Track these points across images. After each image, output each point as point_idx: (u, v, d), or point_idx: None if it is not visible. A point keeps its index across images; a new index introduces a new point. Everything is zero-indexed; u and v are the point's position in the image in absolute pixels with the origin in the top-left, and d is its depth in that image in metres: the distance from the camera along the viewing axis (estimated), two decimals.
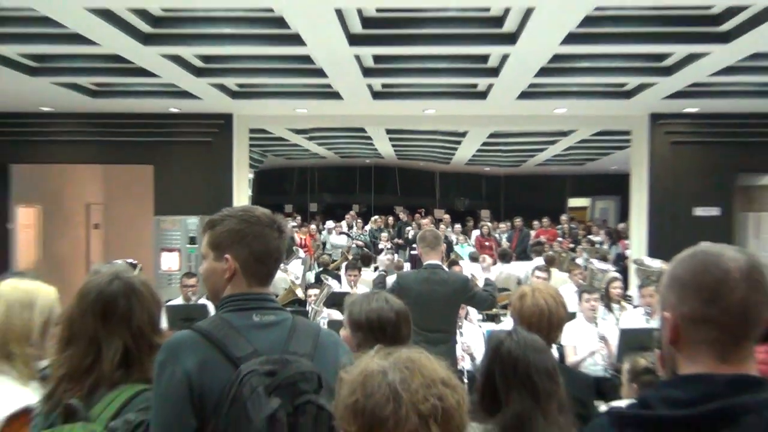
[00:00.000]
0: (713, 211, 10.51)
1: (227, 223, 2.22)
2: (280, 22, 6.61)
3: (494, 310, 10.15)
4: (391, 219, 18.78)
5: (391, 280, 11.02)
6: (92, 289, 2.31)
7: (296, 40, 6.88)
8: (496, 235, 17.05)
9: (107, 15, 6.17)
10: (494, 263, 12.95)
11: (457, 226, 17.12)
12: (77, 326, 2.27)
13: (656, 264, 8.47)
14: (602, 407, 2.99)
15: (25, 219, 12.37)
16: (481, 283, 6.25)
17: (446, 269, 6.40)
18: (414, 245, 14.62)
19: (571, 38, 6.74)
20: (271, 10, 6.41)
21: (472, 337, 6.70)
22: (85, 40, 6.81)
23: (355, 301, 2.81)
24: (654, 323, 6.55)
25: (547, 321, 3.05)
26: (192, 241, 10.51)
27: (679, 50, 7.51)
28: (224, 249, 2.19)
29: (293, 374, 1.99)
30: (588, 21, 6.37)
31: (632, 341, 5.95)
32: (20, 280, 2.75)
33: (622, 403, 2.24)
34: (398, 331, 2.69)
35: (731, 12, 6.43)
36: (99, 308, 2.25)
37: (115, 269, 2.61)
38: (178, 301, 8.15)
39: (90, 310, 2.26)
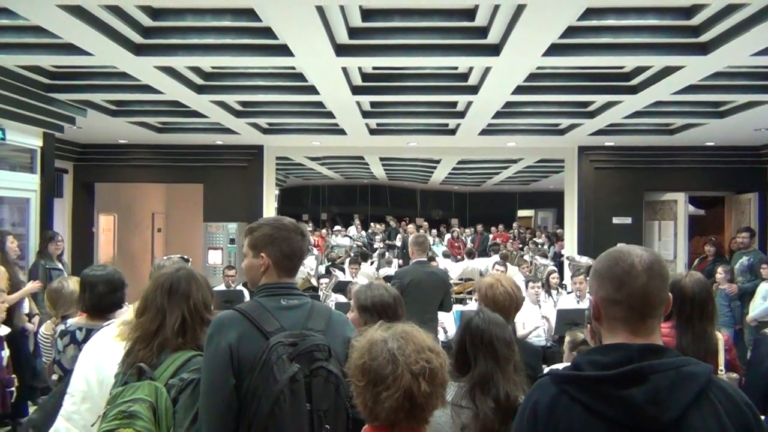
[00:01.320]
0: (627, 220, 10.53)
1: (263, 229, 2.24)
2: (300, 76, 6.61)
3: (461, 294, 10.18)
4: (383, 225, 18.77)
5: (383, 272, 11.05)
6: (164, 274, 2.35)
7: (312, 90, 6.89)
8: (463, 238, 17.06)
9: (170, 71, 6.17)
10: (462, 259, 12.99)
11: (434, 231, 17.12)
12: (150, 300, 2.29)
13: (584, 260, 8.50)
14: (545, 370, 3.00)
15: (105, 224, 12.31)
16: (454, 274, 6.28)
17: (432, 264, 6.42)
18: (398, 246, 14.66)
19: (519, 90, 6.76)
20: (293, 68, 6.42)
21: (445, 315, 6.69)
22: (153, 89, 6.81)
23: (361, 290, 2.81)
24: (583, 305, 6.58)
25: (514, 304, 3.07)
26: (232, 241, 10.48)
27: (600, 99, 7.54)
28: (260, 249, 2.21)
29: (310, 346, 2.01)
30: (532, 77, 6.41)
31: (566, 319, 5.98)
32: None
33: (560, 366, 2.25)
34: (395, 312, 2.70)
35: (638, 71, 6.48)
36: (167, 286, 2.28)
37: (181, 263, 2.62)
38: (221, 287, 8.14)
39: (160, 288, 2.29)
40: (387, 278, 9.35)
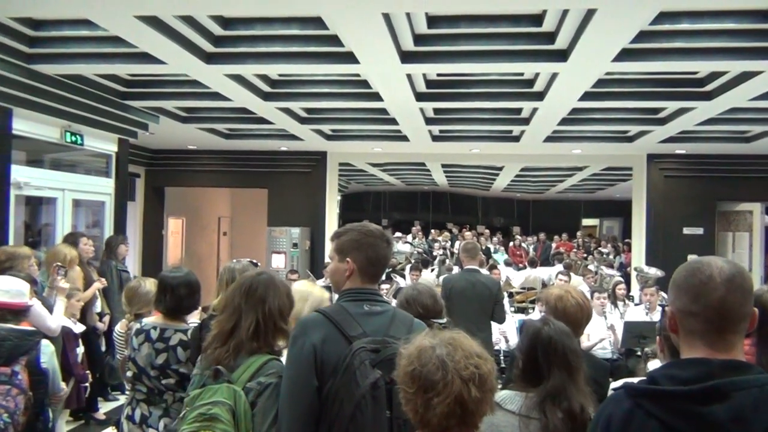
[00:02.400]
0: (698, 231, 10.18)
1: (350, 234, 2.24)
2: (365, 83, 6.67)
3: (524, 303, 10.03)
4: (442, 232, 18.68)
5: (443, 279, 10.98)
6: (246, 275, 2.41)
7: (376, 97, 6.94)
8: (525, 246, 16.80)
9: (239, 79, 6.33)
10: (524, 267, 12.80)
11: (495, 239, 16.91)
12: (229, 299, 2.35)
13: (653, 271, 8.24)
14: (614, 383, 2.91)
15: (173, 227, 12.70)
16: (516, 283, 6.17)
17: (482, 272, 6.25)
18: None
19: (586, 96, 6.64)
20: (358, 75, 6.49)
21: (507, 324, 6.60)
22: (222, 97, 7.00)
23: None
24: (652, 317, 6.38)
25: (585, 316, 3.01)
26: (295, 246, 10.64)
27: (672, 105, 7.32)
28: (346, 253, 2.21)
29: (392, 353, 1.99)
30: (600, 82, 6.27)
31: (634, 331, 5.80)
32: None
33: (634, 379, 2.18)
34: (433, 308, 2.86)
35: (713, 76, 6.25)
36: (245, 288, 2.33)
37: (233, 266, 2.68)
38: None
39: (239, 288, 2.34)
40: None
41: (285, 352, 2.24)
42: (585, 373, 2.26)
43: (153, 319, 3.05)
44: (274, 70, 6.32)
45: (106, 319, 6.34)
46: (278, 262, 10.69)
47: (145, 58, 5.62)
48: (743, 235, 10.37)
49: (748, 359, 1.60)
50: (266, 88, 6.99)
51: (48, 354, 3.55)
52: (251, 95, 6.82)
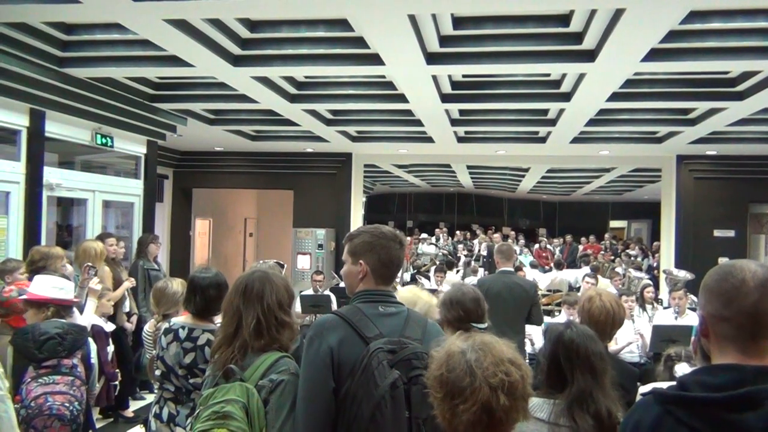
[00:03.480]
0: (729, 233, 9.99)
1: (362, 236, 2.26)
2: (390, 85, 6.67)
3: (549, 306, 9.94)
4: (469, 234, 18.61)
5: (468, 281, 10.97)
6: (240, 277, 2.43)
7: (401, 98, 6.94)
8: (551, 248, 16.66)
9: (265, 81, 6.38)
10: (550, 270, 12.69)
11: (521, 241, 16.80)
12: (228, 303, 2.37)
13: (682, 273, 8.10)
14: (642, 388, 2.86)
15: (201, 228, 12.85)
16: (542, 284, 6.14)
17: (518, 274, 6.26)
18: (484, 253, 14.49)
19: (614, 96, 6.56)
20: (384, 77, 6.49)
21: (532, 327, 6.54)
22: (248, 99, 7.06)
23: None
24: (681, 321, 6.27)
25: (612, 320, 2.96)
26: (320, 247, 10.68)
27: (702, 106, 7.20)
28: (359, 256, 2.23)
29: (409, 353, 2.00)
30: (628, 83, 6.19)
31: (663, 335, 5.69)
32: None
33: (663, 384, 2.14)
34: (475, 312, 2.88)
35: (745, 76, 6.13)
36: (241, 289, 2.35)
37: (259, 266, 2.70)
38: (309, 291, 8.28)
39: (236, 290, 2.37)
40: None
41: (292, 347, 2.29)
42: (612, 377, 2.22)
43: (182, 319, 3.08)
44: (300, 72, 6.35)
45: (134, 318, 6.43)
46: (303, 263, 10.75)
47: (174, 60, 5.69)
48: None
49: None
50: (292, 90, 7.03)
51: (94, 351, 3.66)
52: (277, 97, 6.86)
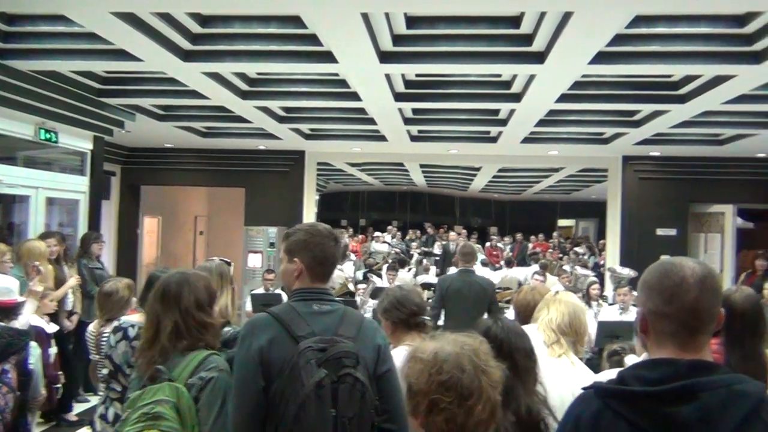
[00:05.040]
0: (671, 232, 10.32)
1: (297, 234, 2.26)
2: (343, 83, 6.66)
3: (500, 303, 10.08)
4: (419, 233, 18.70)
5: (421, 279, 11.05)
6: (159, 279, 2.42)
7: (354, 96, 6.94)
8: (501, 246, 16.88)
9: (217, 77, 6.29)
10: (500, 268, 12.87)
11: (473, 239, 16.95)
12: (149, 307, 2.37)
13: (626, 271, 8.33)
14: (583, 383, 2.94)
15: (149, 227, 12.58)
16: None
17: (478, 274, 6.40)
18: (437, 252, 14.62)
19: (563, 98, 6.69)
20: (337, 75, 6.48)
21: None
22: (199, 95, 6.95)
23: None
24: (626, 317, 6.45)
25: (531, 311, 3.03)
26: (272, 245, 10.58)
27: (647, 108, 7.42)
28: (294, 254, 2.24)
29: (339, 352, 2.02)
30: (577, 85, 6.33)
31: (607, 331, 5.84)
32: None
33: (603, 377, 2.18)
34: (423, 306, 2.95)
35: (687, 80, 6.35)
36: (159, 293, 2.35)
37: (204, 265, 2.67)
38: (260, 290, 8.21)
39: (154, 294, 2.36)
40: (425, 286, 9.33)
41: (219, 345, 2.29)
42: (536, 373, 2.23)
43: (134, 318, 3.04)
44: (253, 68, 6.29)
45: (75, 318, 6.26)
46: (255, 261, 10.64)
47: (122, 55, 5.55)
48: (715, 236, 10.54)
49: (716, 358, 1.62)
50: (244, 87, 6.95)
51: (36, 356, 3.53)
52: (229, 93, 6.77)
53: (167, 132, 9.30)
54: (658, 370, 1.44)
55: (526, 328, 2.81)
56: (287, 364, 1.98)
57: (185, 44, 5.42)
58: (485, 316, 6.94)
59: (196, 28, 5.22)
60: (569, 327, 2.87)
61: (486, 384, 1.55)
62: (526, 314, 3.06)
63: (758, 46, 5.00)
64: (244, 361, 2.05)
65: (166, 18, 4.87)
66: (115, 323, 3.05)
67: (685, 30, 4.88)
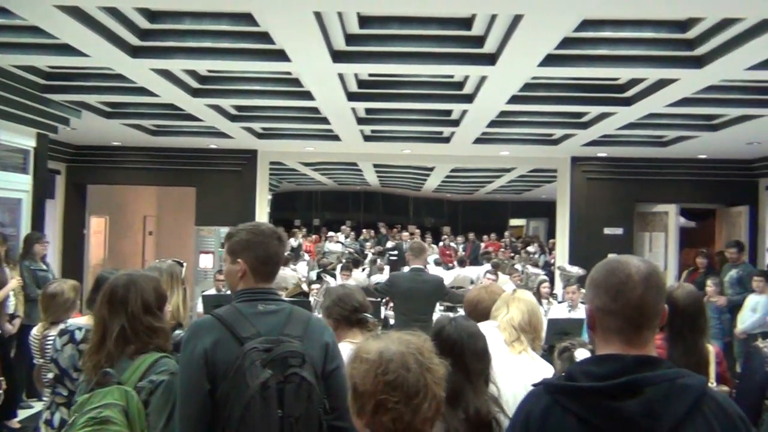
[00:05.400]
0: (618, 231, 10.57)
1: (239, 234, 2.24)
2: (296, 81, 6.62)
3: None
4: (373, 232, 18.73)
5: (375, 278, 11.05)
6: (107, 283, 2.37)
7: (307, 96, 6.89)
8: (454, 246, 17.04)
9: (166, 74, 6.16)
10: (453, 267, 12.98)
11: (429, 239, 17.06)
12: (96, 311, 2.32)
13: (575, 269, 8.51)
14: (533, 380, 3.00)
15: (96, 227, 12.24)
16: (445, 282, 6.39)
17: (428, 272, 6.49)
18: (391, 252, 14.65)
19: (514, 99, 6.79)
20: (290, 73, 6.43)
21: None
22: (148, 92, 6.79)
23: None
24: (575, 314, 6.59)
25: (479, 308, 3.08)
26: (224, 246, 10.40)
27: (594, 110, 7.58)
28: (237, 254, 2.22)
29: (284, 352, 2.01)
30: (527, 86, 6.43)
31: (557, 328, 5.94)
32: None
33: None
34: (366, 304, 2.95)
35: (633, 83, 6.51)
36: (106, 296, 2.30)
37: (156, 265, 2.62)
38: (212, 291, 8.09)
39: (102, 297, 2.31)
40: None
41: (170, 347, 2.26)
42: (487, 374, 2.25)
43: (80, 320, 2.95)
44: (203, 65, 6.18)
45: (17, 321, 6.05)
46: (206, 262, 10.48)
47: (67, 50, 5.38)
48: (659, 235, 10.86)
49: (660, 353, 1.67)
50: (195, 84, 6.83)
51: None
52: (179, 91, 6.64)
53: (115, 130, 9.07)
54: (605, 366, 1.47)
55: (483, 326, 2.86)
56: (232, 366, 1.96)
57: (133, 40, 5.29)
58: (441, 308, 7.09)
59: (144, 23, 5.10)
60: (528, 324, 2.93)
61: (431, 381, 1.55)
62: (476, 313, 3.09)
63: (699, 51, 5.16)
64: (188, 364, 2.02)
65: (113, 12, 4.75)
66: (61, 326, 2.96)
67: (631, 34, 5.01)
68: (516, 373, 2.64)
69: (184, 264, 3.08)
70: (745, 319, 7.37)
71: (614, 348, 1.51)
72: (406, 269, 7.50)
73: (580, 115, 8.09)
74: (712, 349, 3.00)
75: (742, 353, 6.96)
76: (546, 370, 2.76)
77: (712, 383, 2.92)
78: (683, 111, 7.23)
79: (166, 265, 2.93)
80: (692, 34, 4.99)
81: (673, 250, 10.55)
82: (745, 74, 5.52)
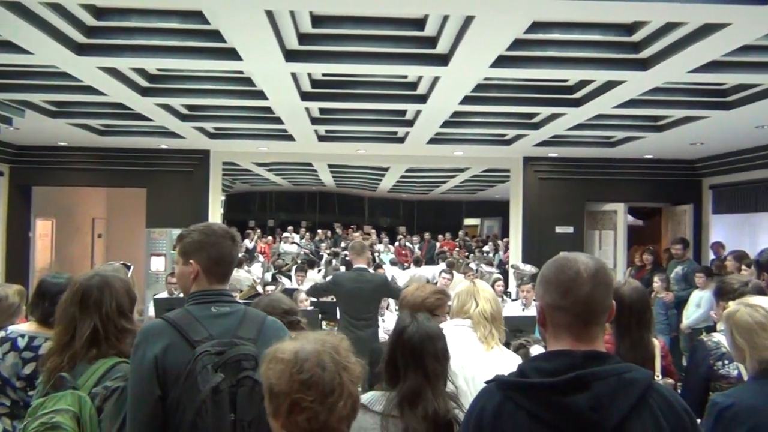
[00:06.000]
0: (569, 230, 10.76)
1: (191, 236, 2.21)
2: (249, 81, 6.54)
3: None
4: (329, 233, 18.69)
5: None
6: (76, 282, 2.30)
7: (260, 95, 6.82)
8: (410, 246, 17.12)
9: (114, 72, 6.01)
10: (409, 267, 13.05)
11: (385, 239, 17.11)
12: (63, 310, 2.26)
13: (528, 268, 8.65)
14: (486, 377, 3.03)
15: (42, 230, 11.87)
16: (401, 282, 6.45)
17: (371, 271, 6.51)
18: (347, 252, 14.63)
19: (466, 100, 6.84)
20: (242, 72, 6.35)
21: (392, 323, 6.70)
22: (95, 91, 6.61)
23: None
24: (528, 312, 6.68)
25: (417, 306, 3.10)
26: (175, 248, 10.23)
27: (545, 111, 7.69)
28: (189, 256, 2.18)
29: (237, 355, 1.99)
30: (479, 87, 6.48)
31: (511, 326, 5.96)
32: None
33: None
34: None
35: (581, 84, 6.64)
36: (78, 296, 2.24)
37: (103, 269, 2.56)
38: (164, 294, 7.94)
39: (72, 297, 2.25)
40: None
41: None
42: (446, 375, 2.27)
43: (23, 327, 2.85)
44: (152, 64, 6.04)
45: None
46: (158, 264, 10.27)
47: (9, 47, 5.19)
48: (609, 233, 11.11)
49: (608, 348, 1.71)
50: (144, 83, 6.68)
51: None
52: (127, 90, 6.48)
53: (61, 129, 8.79)
54: (555, 362, 1.49)
55: (447, 325, 2.89)
56: (184, 371, 1.93)
57: (79, 37, 5.14)
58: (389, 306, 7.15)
59: (90, 20, 4.96)
60: (497, 313, 3.00)
61: (347, 380, 1.55)
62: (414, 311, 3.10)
63: (645, 53, 5.30)
64: (138, 370, 1.98)
65: (57, 9, 4.60)
66: (2, 333, 2.85)
67: (579, 37, 5.10)
68: (493, 370, 2.67)
69: (131, 267, 3.01)
70: (690, 315, 7.61)
71: (564, 344, 1.54)
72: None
73: (531, 115, 8.21)
74: (657, 343, 3.09)
75: (688, 347, 7.19)
76: (516, 361, 2.82)
77: (658, 376, 3.00)
78: (630, 112, 7.41)
79: (112, 269, 2.85)
80: (638, 37, 5.12)
81: (622, 248, 10.81)
82: (687, 76, 5.69)
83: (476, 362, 2.77)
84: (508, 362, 2.79)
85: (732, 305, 2.46)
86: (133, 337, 2.25)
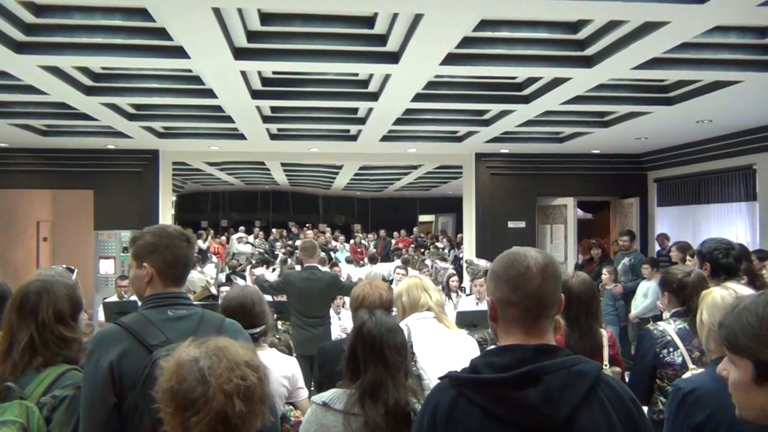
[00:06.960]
0: (521, 224, 10.91)
1: (144, 238, 2.16)
2: (197, 79, 6.42)
3: None
4: (284, 231, 18.54)
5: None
6: (18, 288, 2.23)
7: (210, 93, 6.70)
8: (366, 243, 17.12)
9: (56, 71, 5.81)
10: (364, 264, 13.05)
11: (341, 237, 17.07)
12: (4, 317, 2.18)
13: (482, 263, 8.71)
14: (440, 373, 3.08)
15: None
16: (356, 279, 6.48)
17: (321, 269, 6.52)
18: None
19: (418, 97, 6.87)
20: (190, 70, 6.22)
21: (348, 320, 6.69)
22: (37, 90, 6.39)
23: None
24: (482, 307, 6.74)
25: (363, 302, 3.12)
26: (125, 250, 9.97)
27: (495, 108, 7.79)
28: (143, 258, 2.13)
29: None
30: (430, 85, 6.51)
31: (466, 321, 6.05)
32: None
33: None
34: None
35: (530, 81, 6.74)
36: (17, 302, 2.17)
37: (47, 273, 2.47)
38: (114, 298, 7.75)
39: (12, 303, 2.18)
40: None
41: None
42: (407, 367, 2.31)
43: None
44: (96, 62, 5.87)
45: None
46: (107, 267, 10.02)
47: None
48: (559, 227, 11.33)
49: (558, 340, 1.73)
50: (88, 82, 6.48)
51: None
52: (71, 89, 6.29)
53: (1, 130, 8.48)
54: (507, 356, 1.51)
55: (410, 320, 2.92)
56: (141, 376, 1.88)
57: (18, 35, 4.96)
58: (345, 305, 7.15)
59: (29, 17, 4.79)
60: (442, 302, 3.20)
61: (216, 395, 1.44)
62: (363, 308, 3.10)
63: (589, 51, 5.40)
64: (92, 377, 1.93)
65: None
66: None
67: (526, 35, 5.17)
68: (468, 351, 2.88)
69: (75, 270, 2.92)
70: (638, 305, 7.82)
71: (515, 338, 1.55)
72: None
73: (482, 112, 8.29)
74: (604, 332, 3.17)
75: (636, 336, 7.38)
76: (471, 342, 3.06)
77: (606, 365, 3.08)
78: (577, 108, 7.56)
79: (55, 273, 2.76)
80: (582, 35, 5.22)
81: (572, 242, 11.04)
82: (631, 73, 5.83)
83: (449, 348, 2.86)
84: (469, 340, 3.04)
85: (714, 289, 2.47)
86: (80, 344, 2.20)
